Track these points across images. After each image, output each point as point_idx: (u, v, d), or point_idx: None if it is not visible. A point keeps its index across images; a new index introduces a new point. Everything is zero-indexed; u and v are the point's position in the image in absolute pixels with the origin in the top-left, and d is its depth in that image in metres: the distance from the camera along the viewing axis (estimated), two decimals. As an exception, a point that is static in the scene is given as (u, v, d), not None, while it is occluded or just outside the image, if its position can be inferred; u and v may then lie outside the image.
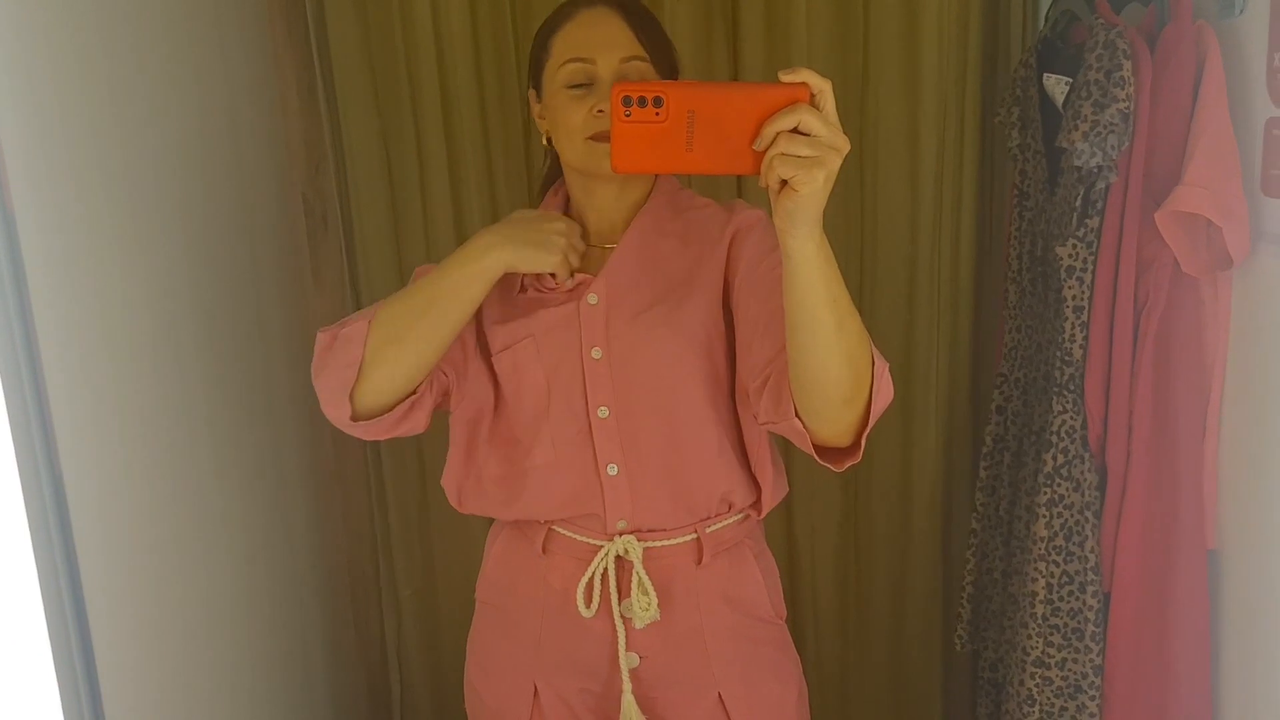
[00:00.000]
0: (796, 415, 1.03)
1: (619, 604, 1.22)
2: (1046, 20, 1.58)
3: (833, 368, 0.97)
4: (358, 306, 2.02)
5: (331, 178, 1.97)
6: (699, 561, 1.24)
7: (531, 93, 1.24)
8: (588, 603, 1.22)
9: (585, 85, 1.15)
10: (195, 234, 1.48)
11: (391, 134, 1.93)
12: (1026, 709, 1.46)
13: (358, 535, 2.10)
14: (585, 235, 1.24)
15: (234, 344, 1.60)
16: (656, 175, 1.25)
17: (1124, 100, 1.26)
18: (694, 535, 1.24)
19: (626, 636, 1.22)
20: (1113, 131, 1.28)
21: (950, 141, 1.84)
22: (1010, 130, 1.62)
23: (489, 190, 1.94)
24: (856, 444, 1.05)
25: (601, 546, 1.22)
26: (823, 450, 1.07)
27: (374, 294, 2.00)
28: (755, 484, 1.27)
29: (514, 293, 1.24)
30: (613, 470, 1.20)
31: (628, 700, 1.22)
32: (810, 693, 1.32)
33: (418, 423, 1.21)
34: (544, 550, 1.26)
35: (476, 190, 1.93)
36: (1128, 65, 1.27)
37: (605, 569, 1.21)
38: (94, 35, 1.21)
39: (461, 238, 1.96)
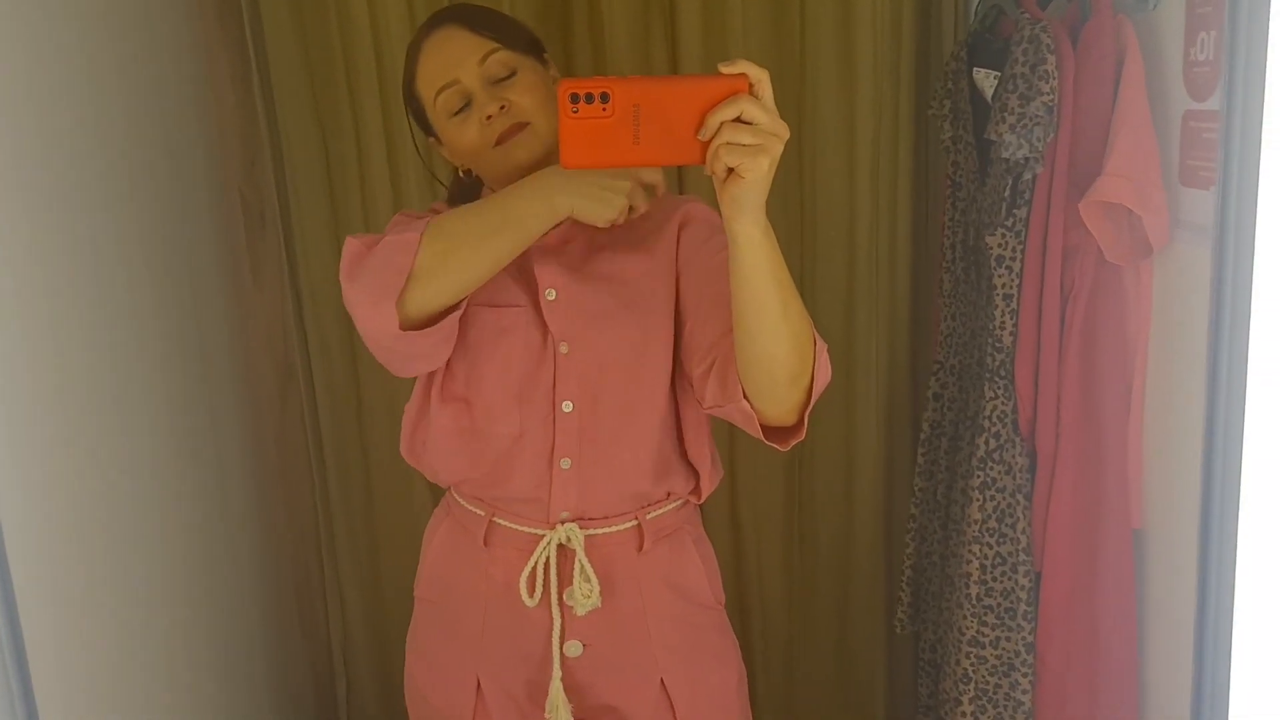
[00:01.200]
0: (745, 397, 1.06)
1: (561, 593, 1.23)
2: (975, 15, 1.62)
3: (780, 348, 1.00)
4: (298, 304, 2.01)
5: (269, 174, 1.95)
6: (640, 548, 1.26)
7: (432, 141, 1.24)
8: (530, 592, 1.22)
9: (464, 106, 1.16)
10: (127, 231, 1.46)
11: (330, 129, 1.92)
12: (962, 687, 1.49)
13: (302, 534, 2.09)
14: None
15: (171, 343, 1.59)
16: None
17: (1048, 94, 1.30)
18: (635, 522, 1.25)
19: (568, 625, 1.24)
20: (1038, 124, 1.32)
21: (886, 133, 1.88)
22: (942, 123, 1.66)
23: (429, 182, 1.93)
24: (801, 422, 1.08)
25: (544, 535, 1.23)
26: (768, 431, 1.09)
27: (315, 292, 1.99)
28: (692, 470, 1.28)
29: None
30: (565, 464, 1.21)
31: (555, 686, 1.23)
32: (756, 675, 1.34)
33: (449, 348, 1.17)
34: (485, 543, 1.26)
35: (417, 185, 1.92)
36: (1051, 59, 1.30)
37: (548, 558, 1.22)
38: (18, 29, 1.19)
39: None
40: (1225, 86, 0.98)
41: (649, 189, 1.12)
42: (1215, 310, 1.00)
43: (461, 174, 1.25)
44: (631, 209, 1.11)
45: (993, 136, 1.38)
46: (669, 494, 1.27)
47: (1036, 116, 1.31)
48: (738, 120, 0.88)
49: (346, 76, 1.88)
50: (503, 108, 1.14)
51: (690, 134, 0.89)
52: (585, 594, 1.21)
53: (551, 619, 1.23)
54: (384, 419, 2.03)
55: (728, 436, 1.99)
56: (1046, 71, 1.30)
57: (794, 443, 1.10)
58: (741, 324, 1.00)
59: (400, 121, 1.89)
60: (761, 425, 1.08)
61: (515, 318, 1.20)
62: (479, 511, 1.26)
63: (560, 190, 1.09)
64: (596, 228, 1.22)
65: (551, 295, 1.20)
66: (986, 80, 1.49)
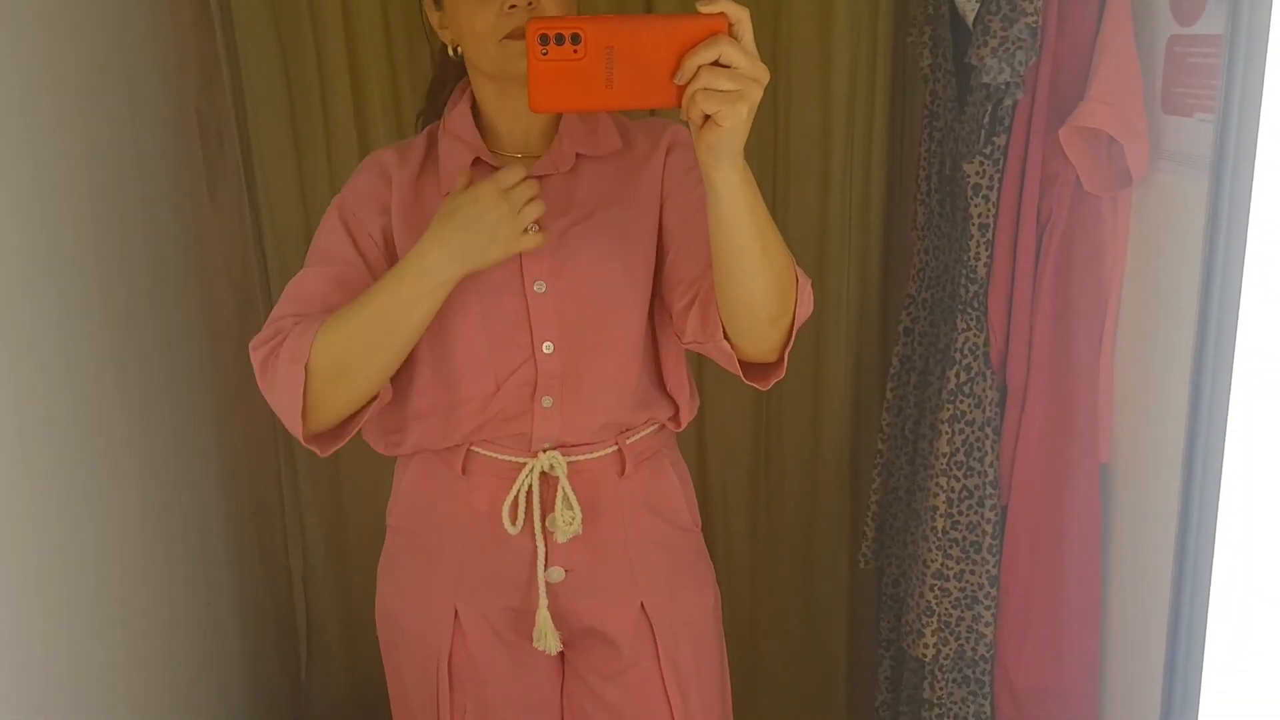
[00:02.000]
0: (725, 336, 1.04)
1: (543, 519, 1.21)
2: (959, -63, 1.57)
3: (760, 290, 0.98)
4: (257, 226, 1.95)
5: (227, 93, 1.89)
6: (621, 472, 1.25)
7: (428, 2, 1.18)
8: (513, 520, 1.21)
9: None
10: (75, 151, 1.40)
11: (289, 47, 1.85)
12: (925, 619, 1.50)
13: (261, 462, 2.05)
14: (499, 144, 1.20)
15: (125, 264, 1.53)
16: None
17: (1032, 15, 1.26)
18: (615, 447, 1.24)
19: (550, 551, 1.22)
20: (1020, 47, 1.28)
21: (863, 62, 1.83)
22: (922, 50, 1.62)
23: (392, 101, 1.87)
24: (780, 360, 1.07)
25: (525, 464, 1.21)
26: (747, 368, 1.08)
27: (274, 213, 1.93)
28: (671, 400, 1.27)
29: (439, 194, 1.18)
30: (547, 403, 1.19)
31: (543, 615, 1.23)
32: (722, 607, 1.36)
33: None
34: (464, 471, 1.24)
35: (380, 103, 1.87)
36: (1036, -21, 1.26)
37: (530, 485, 1.21)
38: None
39: (366, 154, 1.89)
40: (1229, 11, 0.94)
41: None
42: (1209, 243, 0.97)
43: (451, 52, 1.19)
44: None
45: (973, 61, 1.35)
46: (648, 420, 1.26)
47: (1019, 39, 1.28)
48: (716, 63, 0.84)
49: (309, 4, 1.81)
50: (530, 3, 1.08)
51: (666, 77, 0.86)
52: (567, 521, 1.20)
53: (535, 546, 1.22)
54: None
55: (696, 368, 1.97)
56: (1031, -8, 1.26)
57: (774, 380, 1.09)
58: (721, 267, 0.98)
59: (364, 39, 1.83)
60: (741, 363, 1.07)
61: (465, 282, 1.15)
62: (455, 441, 1.23)
63: (440, 266, 1.05)
64: (580, 159, 1.19)
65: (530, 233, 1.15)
66: (968, 4, 1.45)
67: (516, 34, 1.09)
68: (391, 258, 1.18)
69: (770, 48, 1.85)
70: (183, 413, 1.73)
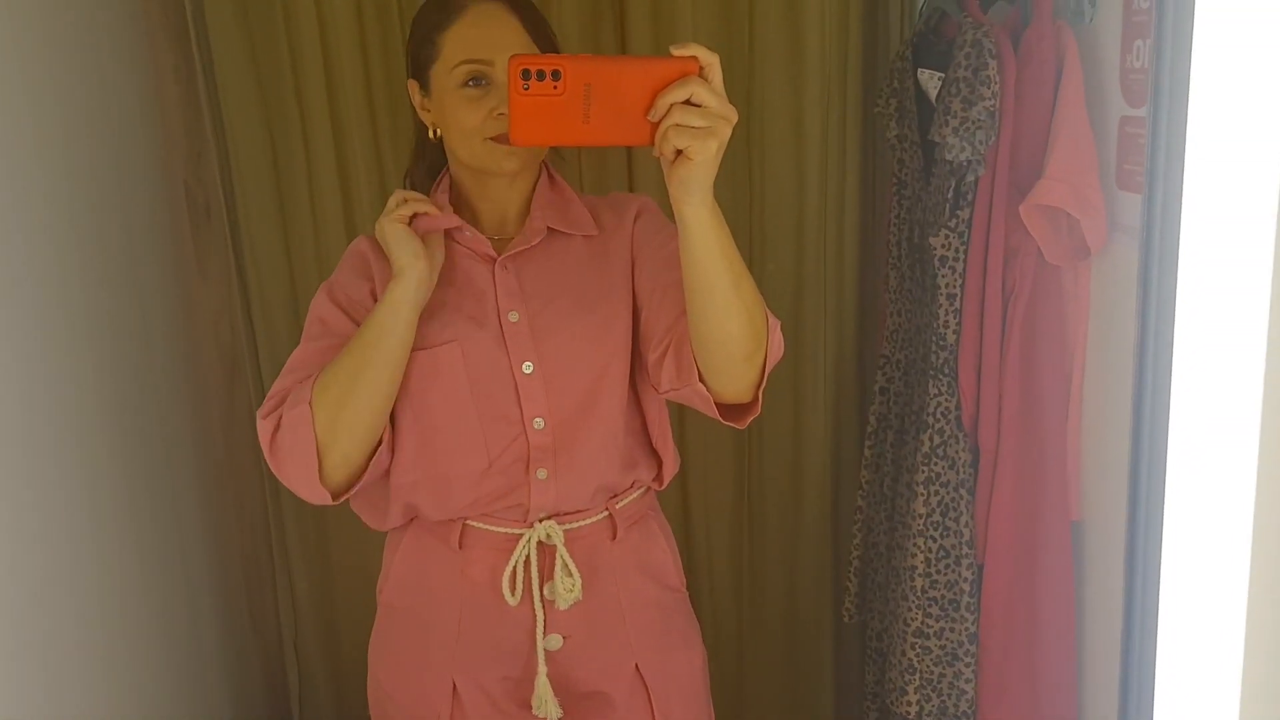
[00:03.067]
0: (700, 379, 1.08)
1: (541, 588, 1.24)
2: (920, 16, 1.63)
3: (733, 326, 1.02)
4: (245, 296, 1.99)
5: (214, 166, 1.93)
6: (613, 537, 1.28)
7: (413, 84, 1.23)
8: (512, 590, 1.23)
9: (482, 85, 1.14)
10: (68, 224, 1.44)
11: (275, 120, 1.90)
12: (908, 677, 1.53)
13: (252, 528, 2.07)
14: (477, 225, 1.24)
15: (115, 335, 1.57)
16: (542, 165, 1.26)
17: (990, 98, 1.32)
18: (606, 513, 1.27)
19: (548, 619, 1.25)
20: (980, 127, 1.34)
21: (834, 130, 1.89)
22: (888, 121, 1.68)
23: (378, 176, 1.92)
24: (755, 399, 1.10)
25: (522, 534, 1.24)
26: (724, 409, 1.12)
27: (261, 283, 1.97)
28: (655, 459, 1.31)
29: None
30: (542, 475, 1.22)
31: (541, 682, 1.25)
32: (709, 663, 1.40)
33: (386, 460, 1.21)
34: (460, 545, 1.26)
35: (365, 176, 1.91)
36: (993, 64, 1.32)
37: (528, 555, 1.24)
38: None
39: (350, 225, 1.94)
40: (1151, 93, 1.00)
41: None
42: (1141, 308, 1.03)
43: (431, 134, 1.23)
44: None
45: (936, 139, 1.40)
46: (634, 483, 1.30)
47: (979, 120, 1.33)
48: (688, 102, 0.89)
49: (292, 66, 1.86)
50: None
51: (640, 114, 0.90)
52: (568, 588, 1.23)
53: (534, 615, 1.24)
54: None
55: (677, 425, 2.01)
56: (988, 76, 1.32)
57: (750, 419, 1.13)
58: (695, 304, 1.02)
59: (346, 110, 1.88)
60: (717, 405, 1.10)
61: (452, 353, 1.19)
62: (450, 517, 1.26)
63: (391, 287, 1.13)
64: (554, 235, 1.23)
65: (515, 318, 1.20)
66: (930, 81, 1.51)
67: (503, 138, 1.13)
68: None
69: (744, 114, 1.90)
70: (172, 478, 1.76)
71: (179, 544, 1.76)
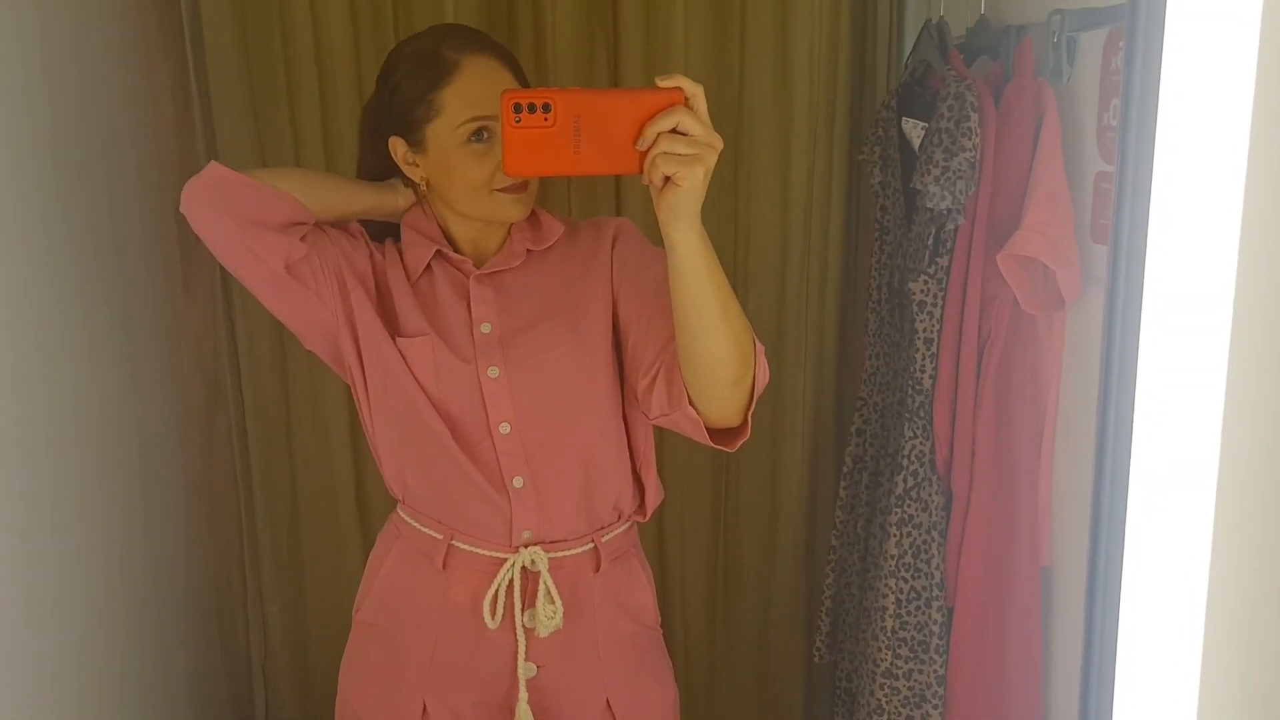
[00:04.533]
0: (690, 404, 1.10)
1: (522, 614, 1.25)
2: (906, 67, 1.68)
3: (722, 349, 1.05)
4: (230, 319, 2.00)
5: (206, 187, 1.94)
6: (596, 569, 1.30)
7: (398, 141, 1.23)
8: (493, 614, 1.25)
9: (488, 139, 1.18)
10: (59, 241, 1.45)
11: (269, 147, 1.92)
12: (876, 717, 1.54)
13: (224, 549, 2.07)
14: (456, 247, 1.28)
15: (101, 353, 1.57)
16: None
17: (970, 150, 1.35)
18: (591, 544, 1.29)
19: (527, 646, 1.26)
20: (961, 177, 1.37)
21: (819, 174, 1.93)
22: (872, 168, 1.71)
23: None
24: (745, 423, 1.13)
25: (506, 559, 1.25)
26: (714, 433, 1.14)
27: (248, 306, 1.98)
28: (638, 489, 1.33)
29: (410, 280, 1.26)
30: (518, 483, 1.24)
31: (523, 709, 1.26)
32: (681, 700, 1.41)
33: (280, 247, 1.17)
34: (444, 566, 1.28)
35: (355, 205, 1.93)
36: (975, 117, 1.36)
37: (511, 580, 1.25)
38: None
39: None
40: (1119, 149, 1.03)
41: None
42: (1105, 356, 1.05)
43: (423, 188, 1.26)
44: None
45: (918, 186, 1.44)
46: (620, 515, 1.32)
47: (959, 170, 1.37)
48: (674, 131, 0.93)
49: (287, 91, 1.89)
50: None
51: (629, 144, 0.94)
52: (549, 615, 1.24)
53: (515, 641, 1.26)
54: (311, 433, 2.03)
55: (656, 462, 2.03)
56: (970, 129, 1.36)
57: (740, 443, 1.15)
58: (684, 329, 1.05)
59: (341, 138, 1.90)
60: (707, 429, 1.13)
61: (423, 346, 1.22)
62: (436, 535, 1.28)
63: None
64: (530, 255, 1.26)
65: (487, 329, 1.23)
66: (914, 130, 1.55)
67: (511, 189, 1.19)
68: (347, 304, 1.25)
69: (731, 159, 1.94)
70: (149, 497, 1.76)
71: (151, 563, 1.76)
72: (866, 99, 1.94)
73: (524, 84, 1.22)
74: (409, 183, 1.28)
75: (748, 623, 2.12)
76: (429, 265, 1.26)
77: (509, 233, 1.28)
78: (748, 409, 1.11)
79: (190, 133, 1.90)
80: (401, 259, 1.27)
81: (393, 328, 1.23)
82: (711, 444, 1.15)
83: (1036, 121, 1.35)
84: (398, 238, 1.30)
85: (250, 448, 2.05)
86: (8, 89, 1.32)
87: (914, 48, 1.63)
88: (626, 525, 1.33)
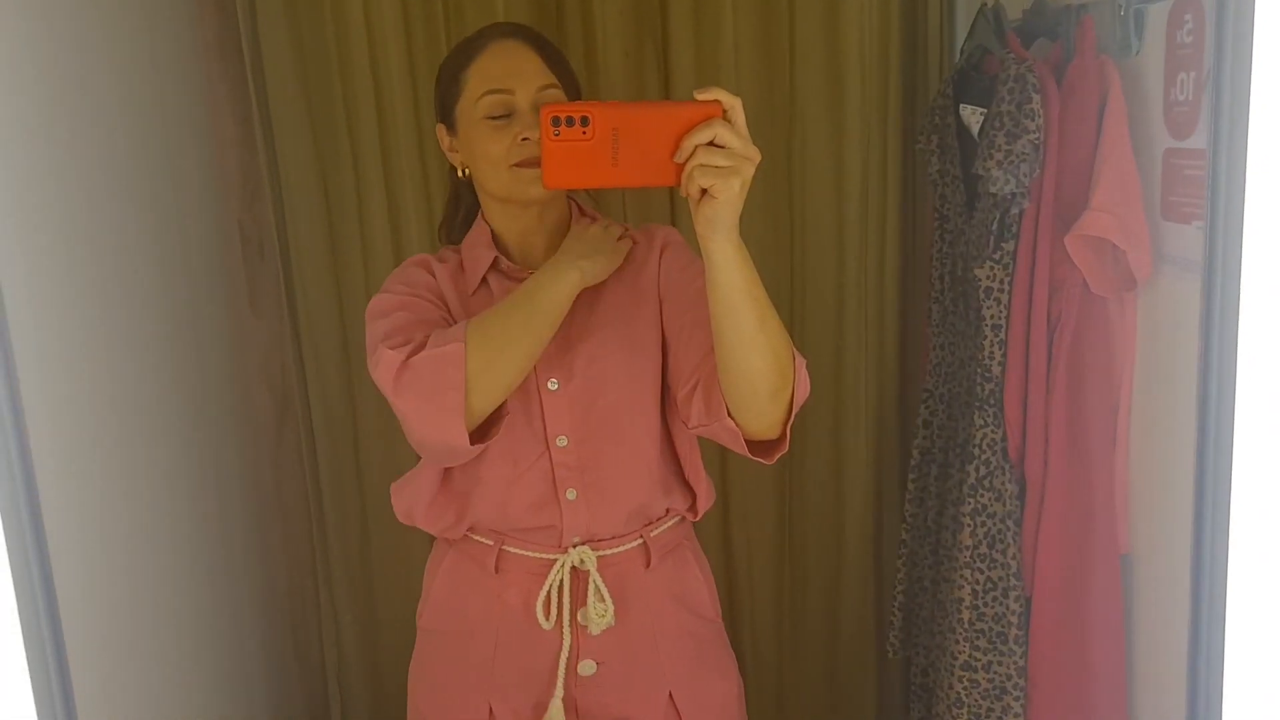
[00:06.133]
0: (729, 415, 1.10)
1: (574, 613, 1.26)
2: (962, 53, 1.66)
3: (759, 361, 1.04)
4: (295, 333, 2.03)
5: (268, 206, 1.98)
6: (647, 565, 1.30)
7: (440, 127, 1.27)
8: (546, 615, 1.26)
9: (505, 116, 1.19)
10: (131, 262, 1.49)
11: (328, 162, 1.95)
12: (956, 711, 1.52)
13: (297, 561, 2.10)
14: (510, 258, 1.28)
15: (172, 371, 1.61)
16: (569, 201, 1.31)
17: (1034, 131, 1.34)
18: (640, 540, 1.29)
19: (582, 645, 1.27)
20: (1025, 160, 1.36)
21: (874, 167, 1.92)
22: (930, 157, 1.70)
23: (427, 216, 1.96)
24: (784, 435, 1.12)
25: (556, 560, 1.26)
26: (753, 445, 1.13)
27: (312, 321, 2.01)
28: (689, 490, 1.33)
29: (468, 293, 1.27)
30: (571, 495, 1.25)
31: (555, 705, 1.26)
32: (747, 698, 1.40)
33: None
34: (497, 570, 1.29)
35: (415, 216, 1.95)
36: (1037, 98, 1.34)
37: (561, 580, 1.26)
38: (23, 60, 1.22)
39: (400, 264, 1.98)
40: (1210, 125, 1.01)
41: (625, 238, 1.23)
42: (1205, 340, 1.03)
43: (460, 173, 1.28)
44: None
45: (980, 172, 1.42)
46: (669, 510, 1.32)
47: (1023, 154, 1.35)
48: (711, 144, 0.93)
49: (345, 110, 1.92)
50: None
51: (666, 156, 0.94)
52: (600, 613, 1.25)
53: (562, 639, 1.26)
54: (379, 446, 2.05)
55: (719, 457, 2.02)
56: (1032, 110, 1.34)
57: (778, 455, 1.14)
58: (721, 339, 1.05)
59: (398, 156, 1.93)
60: (746, 441, 1.12)
61: None
62: (487, 541, 1.29)
63: (571, 267, 1.17)
64: None
65: None
66: (973, 116, 1.53)
67: (526, 163, 1.18)
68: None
69: (784, 155, 1.94)
70: (222, 512, 1.79)
71: (227, 577, 1.79)
72: (919, 89, 1.93)
73: (564, 70, 1.23)
74: (456, 184, 1.32)
75: (816, 620, 2.11)
76: (484, 279, 1.27)
77: (558, 241, 1.28)
78: (786, 422, 1.11)
79: (252, 149, 1.94)
80: (462, 271, 1.29)
81: None
82: (750, 456, 1.14)
83: (1101, 100, 1.33)
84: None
85: (319, 462, 2.08)
86: (82, 113, 1.36)
87: (970, 33, 1.62)
88: (676, 520, 1.33)
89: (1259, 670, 1.07)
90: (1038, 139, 1.35)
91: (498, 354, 1.12)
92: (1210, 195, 1.04)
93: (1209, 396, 1.05)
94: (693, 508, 1.34)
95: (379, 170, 1.93)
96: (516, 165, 1.19)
